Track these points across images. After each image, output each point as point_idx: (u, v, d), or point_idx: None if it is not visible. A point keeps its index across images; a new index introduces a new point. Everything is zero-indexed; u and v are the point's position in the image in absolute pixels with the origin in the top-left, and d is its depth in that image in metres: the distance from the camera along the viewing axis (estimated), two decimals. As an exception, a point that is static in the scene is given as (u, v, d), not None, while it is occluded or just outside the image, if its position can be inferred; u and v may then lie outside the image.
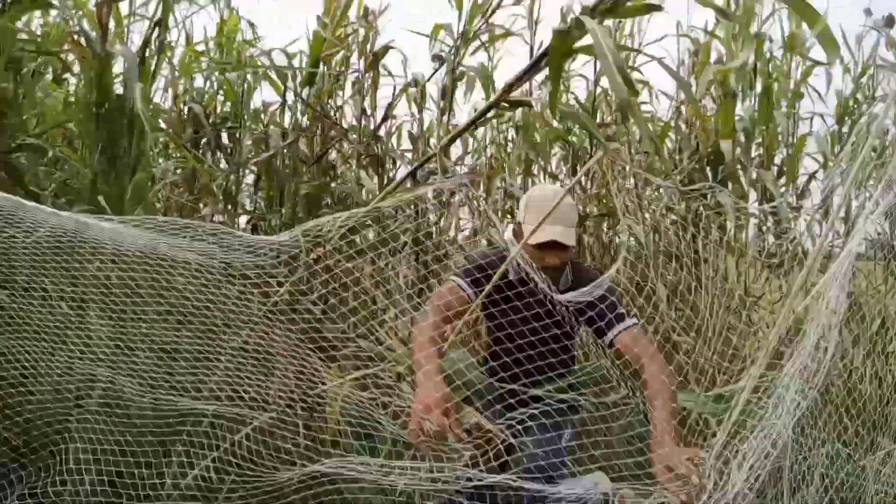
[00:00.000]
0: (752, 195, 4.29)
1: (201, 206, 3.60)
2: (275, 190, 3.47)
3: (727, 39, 3.78)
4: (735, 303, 3.92)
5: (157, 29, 2.58)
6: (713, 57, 4.32)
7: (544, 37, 3.88)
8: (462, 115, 4.14)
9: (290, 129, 3.53)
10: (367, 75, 3.72)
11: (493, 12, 3.68)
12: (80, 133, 2.65)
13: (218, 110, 4.17)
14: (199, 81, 4.02)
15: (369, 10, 3.58)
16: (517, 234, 2.07)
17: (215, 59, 3.74)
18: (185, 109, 4.01)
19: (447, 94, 4.10)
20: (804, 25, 3.88)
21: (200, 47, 4.09)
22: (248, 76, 3.56)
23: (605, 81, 4.27)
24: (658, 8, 2.07)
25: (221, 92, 3.89)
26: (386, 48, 3.61)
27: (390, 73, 3.89)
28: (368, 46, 3.65)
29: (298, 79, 3.47)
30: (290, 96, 3.84)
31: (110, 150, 2.46)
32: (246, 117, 3.63)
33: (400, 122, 4.09)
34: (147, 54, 2.53)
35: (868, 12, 3.97)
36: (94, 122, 2.44)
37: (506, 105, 2.21)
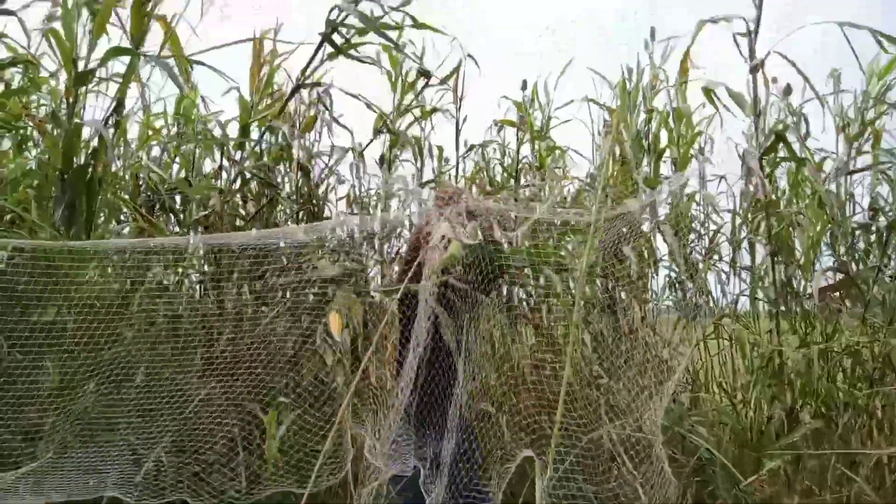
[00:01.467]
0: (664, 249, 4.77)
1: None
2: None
3: (623, 111, 4.30)
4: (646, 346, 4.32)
5: (116, 107, 2.98)
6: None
7: (469, 111, 4.39)
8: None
9: (226, 189, 3.91)
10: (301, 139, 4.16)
11: (423, 90, 4.18)
12: (38, 195, 2.99)
13: (172, 176, 4.56)
14: (155, 151, 4.41)
15: (300, 85, 4.05)
16: None
17: (173, 137, 4.14)
18: (143, 176, 4.40)
19: (385, 160, 4.56)
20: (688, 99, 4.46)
21: (159, 120, 4.53)
22: (198, 149, 3.96)
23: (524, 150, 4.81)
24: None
25: (177, 160, 4.28)
26: (314, 118, 4.06)
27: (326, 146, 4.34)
28: (298, 118, 4.10)
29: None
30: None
31: (68, 211, 2.80)
32: (194, 182, 4.00)
33: (333, 185, 4.50)
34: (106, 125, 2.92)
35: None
36: (60, 186, 2.77)
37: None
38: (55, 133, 2.74)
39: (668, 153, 4.61)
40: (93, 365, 2.84)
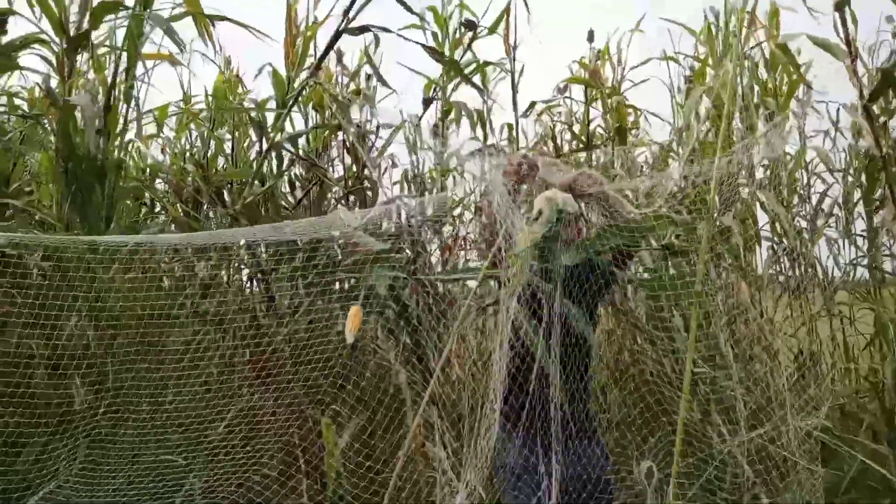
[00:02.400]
0: (763, 217, 4.15)
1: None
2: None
3: (714, 63, 3.70)
4: (754, 330, 3.74)
5: (124, 76, 2.60)
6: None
7: (525, 60, 3.85)
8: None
9: (267, 175, 3.53)
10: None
11: (471, 44, 3.68)
12: (51, 188, 2.68)
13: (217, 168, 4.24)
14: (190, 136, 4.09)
15: (342, 52, 3.62)
16: None
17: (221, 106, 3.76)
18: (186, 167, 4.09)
19: (438, 131, 4.10)
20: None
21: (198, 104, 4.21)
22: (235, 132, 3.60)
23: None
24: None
25: (212, 147, 3.94)
26: (358, 91, 3.63)
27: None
28: (340, 90, 3.68)
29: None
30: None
31: (80, 203, 2.46)
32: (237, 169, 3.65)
33: (387, 167, 4.07)
34: (112, 102, 2.54)
35: (890, 20, 3.83)
36: (64, 177, 2.44)
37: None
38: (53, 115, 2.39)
39: (761, 109, 3.96)
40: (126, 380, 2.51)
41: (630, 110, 4.06)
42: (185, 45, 2.63)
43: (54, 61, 2.51)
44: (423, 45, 3.19)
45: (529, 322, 1.93)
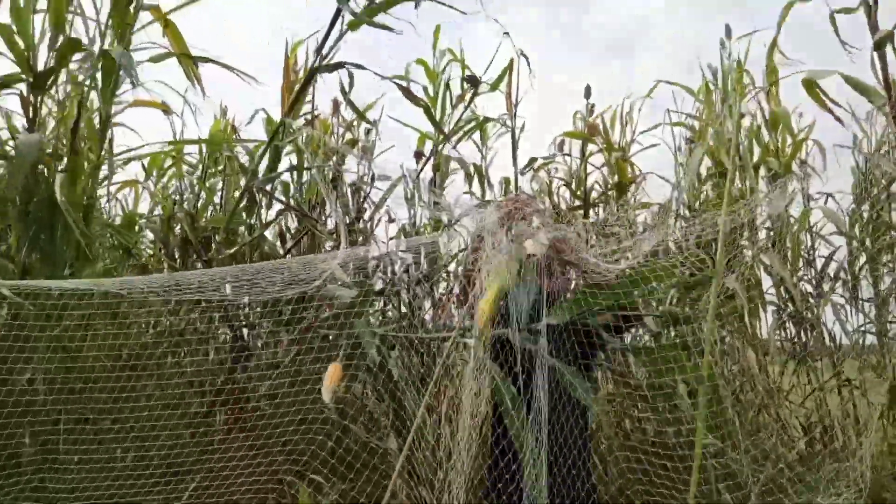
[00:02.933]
0: (766, 281, 4.01)
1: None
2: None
3: (712, 122, 3.64)
4: (761, 398, 3.54)
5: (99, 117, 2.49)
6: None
7: (526, 116, 3.79)
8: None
9: (255, 224, 3.41)
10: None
11: (472, 101, 3.64)
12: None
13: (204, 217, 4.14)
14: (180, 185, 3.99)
15: (339, 103, 3.56)
16: None
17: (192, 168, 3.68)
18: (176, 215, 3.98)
19: (434, 184, 4.01)
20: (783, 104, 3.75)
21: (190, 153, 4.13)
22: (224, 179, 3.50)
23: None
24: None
25: (202, 196, 3.84)
26: (354, 141, 3.55)
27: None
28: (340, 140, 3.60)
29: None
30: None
31: (41, 247, 2.31)
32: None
33: (379, 218, 3.96)
34: (77, 144, 2.42)
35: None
36: (24, 220, 2.31)
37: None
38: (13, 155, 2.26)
39: (762, 170, 3.90)
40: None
41: (629, 167, 3.98)
42: (179, 91, 2.53)
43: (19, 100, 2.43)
44: (405, 93, 3.09)
45: (500, 377, 1.78)
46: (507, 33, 3.32)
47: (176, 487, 2.84)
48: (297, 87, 3.14)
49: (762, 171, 3.69)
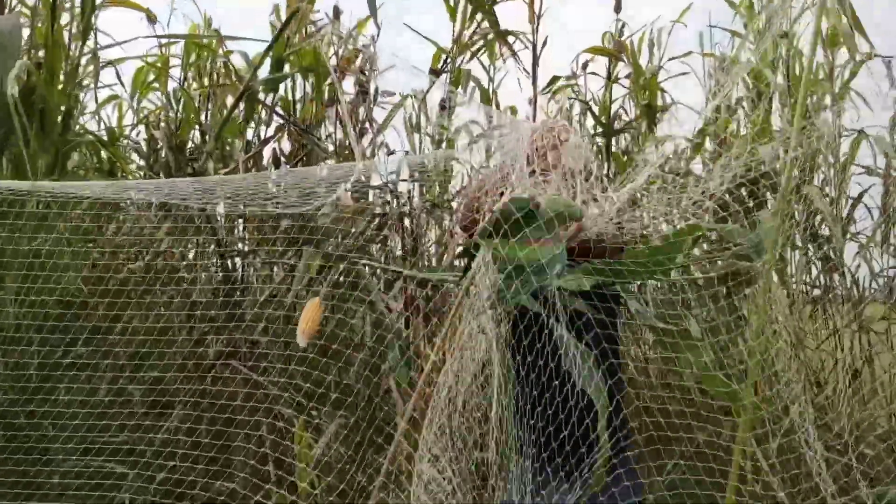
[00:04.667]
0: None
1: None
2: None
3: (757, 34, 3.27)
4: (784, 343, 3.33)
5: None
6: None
7: (549, 31, 3.43)
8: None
9: (254, 141, 3.11)
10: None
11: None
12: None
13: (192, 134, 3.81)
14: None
15: (339, 9, 3.19)
16: None
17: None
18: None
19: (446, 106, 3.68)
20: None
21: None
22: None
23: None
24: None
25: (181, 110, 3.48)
26: (357, 52, 3.20)
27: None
28: (340, 50, 3.24)
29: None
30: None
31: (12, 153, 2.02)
32: (210, 133, 3.21)
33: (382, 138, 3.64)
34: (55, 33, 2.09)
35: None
36: None
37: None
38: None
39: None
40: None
41: (660, 93, 3.65)
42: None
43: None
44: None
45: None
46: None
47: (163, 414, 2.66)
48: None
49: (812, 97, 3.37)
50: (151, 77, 3.65)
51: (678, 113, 4.27)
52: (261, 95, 3.37)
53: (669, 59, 3.82)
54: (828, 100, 3.61)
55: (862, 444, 2.61)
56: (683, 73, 3.89)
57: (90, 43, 2.71)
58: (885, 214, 3.88)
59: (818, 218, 3.57)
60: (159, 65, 3.51)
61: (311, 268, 2.17)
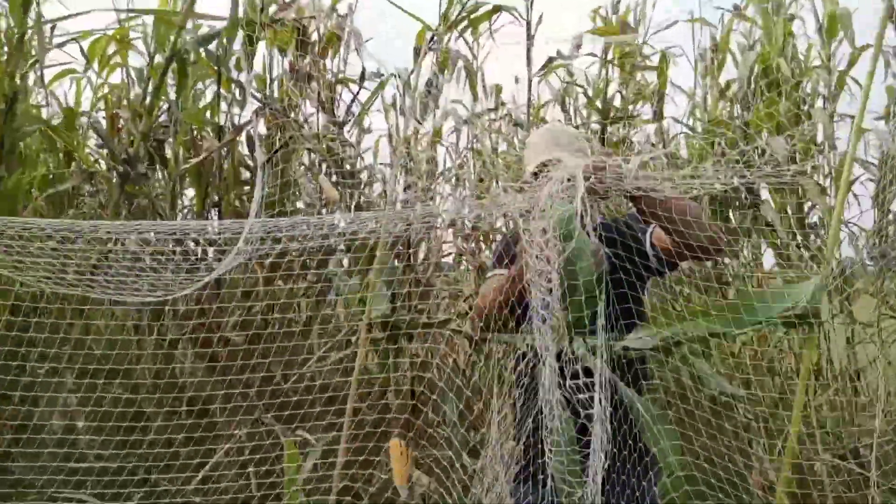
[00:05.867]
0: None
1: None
2: (208, 203, 2.76)
3: (765, 24, 3.12)
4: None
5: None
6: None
7: (544, 7, 3.21)
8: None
9: (227, 127, 2.82)
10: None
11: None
12: None
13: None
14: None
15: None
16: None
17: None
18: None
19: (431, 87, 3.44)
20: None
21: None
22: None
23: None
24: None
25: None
26: (335, 34, 2.92)
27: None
28: (321, 26, 2.96)
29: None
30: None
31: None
32: (178, 115, 2.90)
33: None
34: None
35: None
36: None
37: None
38: None
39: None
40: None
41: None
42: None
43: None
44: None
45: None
46: None
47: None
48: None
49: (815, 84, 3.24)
50: (112, 50, 3.30)
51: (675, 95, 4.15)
52: (233, 73, 3.08)
53: (655, 32, 3.65)
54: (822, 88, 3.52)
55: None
56: (671, 47, 3.71)
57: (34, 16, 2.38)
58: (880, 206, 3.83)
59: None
60: (118, 37, 3.16)
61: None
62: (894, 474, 2.31)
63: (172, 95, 2.97)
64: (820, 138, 3.18)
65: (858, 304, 3.47)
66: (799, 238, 3.52)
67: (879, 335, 3.35)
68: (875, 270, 3.29)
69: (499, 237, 3.14)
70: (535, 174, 1.63)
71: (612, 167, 1.49)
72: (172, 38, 2.78)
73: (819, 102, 3.34)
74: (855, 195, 3.78)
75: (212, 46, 2.79)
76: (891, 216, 3.62)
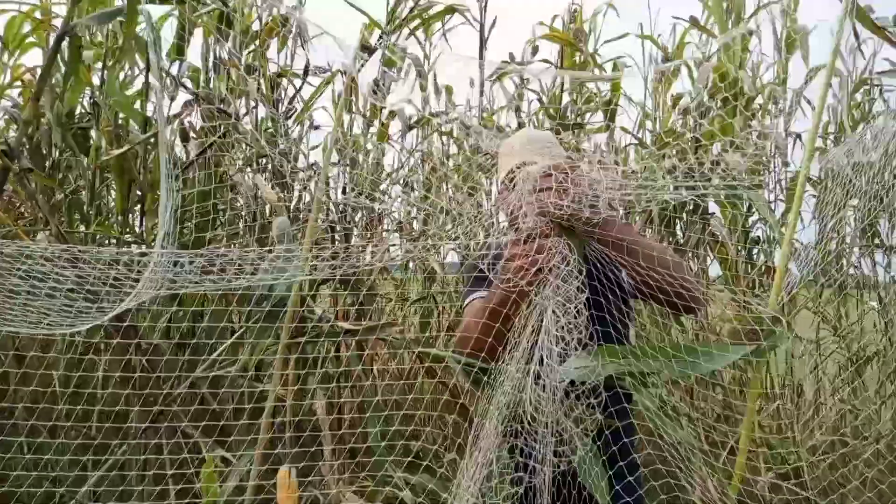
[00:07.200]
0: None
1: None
2: (132, 201, 2.54)
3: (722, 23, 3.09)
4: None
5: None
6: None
7: (498, 10, 3.10)
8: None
9: (153, 119, 2.60)
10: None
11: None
12: None
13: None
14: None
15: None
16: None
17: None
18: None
19: (379, 86, 3.28)
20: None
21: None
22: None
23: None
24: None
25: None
26: (275, 27, 2.74)
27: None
28: (264, 15, 2.78)
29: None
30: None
31: None
32: (103, 105, 2.66)
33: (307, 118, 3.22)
34: None
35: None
36: None
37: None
38: None
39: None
40: None
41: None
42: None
43: None
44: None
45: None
46: None
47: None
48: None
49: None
50: (28, 28, 3.03)
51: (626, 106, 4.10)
52: (164, 63, 2.85)
53: (605, 42, 3.61)
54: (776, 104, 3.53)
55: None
56: (619, 58, 3.67)
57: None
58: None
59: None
60: (37, 15, 2.89)
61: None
62: (832, 490, 2.29)
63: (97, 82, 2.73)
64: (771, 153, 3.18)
65: (798, 318, 3.50)
66: (743, 253, 3.53)
67: (818, 348, 3.39)
68: (816, 286, 3.32)
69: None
70: (510, 179, 1.55)
71: (580, 176, 1.40)
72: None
73: (769, 119, 3.35)
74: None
75: (140, 31, 2.56)
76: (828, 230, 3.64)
